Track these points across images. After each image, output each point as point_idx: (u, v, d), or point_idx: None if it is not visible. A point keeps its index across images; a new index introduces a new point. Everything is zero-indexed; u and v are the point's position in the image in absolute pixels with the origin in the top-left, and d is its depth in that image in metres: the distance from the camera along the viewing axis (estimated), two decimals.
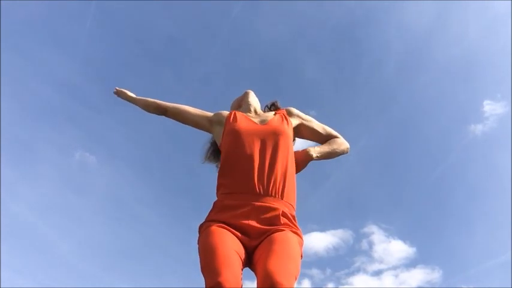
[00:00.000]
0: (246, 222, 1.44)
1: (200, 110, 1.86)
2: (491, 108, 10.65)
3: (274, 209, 1.48)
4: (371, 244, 10.78)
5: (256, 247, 1.42)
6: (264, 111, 1.90)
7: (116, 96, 2.09)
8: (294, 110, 1.84)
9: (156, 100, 1.93)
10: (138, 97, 2.03)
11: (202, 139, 1.94)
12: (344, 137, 1.84)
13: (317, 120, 1.87)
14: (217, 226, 1.44)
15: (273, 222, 1.46)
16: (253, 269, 1.41)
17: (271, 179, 1.52)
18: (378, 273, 10.54)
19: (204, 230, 1.46)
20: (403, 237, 10.83)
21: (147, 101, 1.96)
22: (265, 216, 1.46)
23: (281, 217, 1.47)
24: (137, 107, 2.01)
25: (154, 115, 1.95)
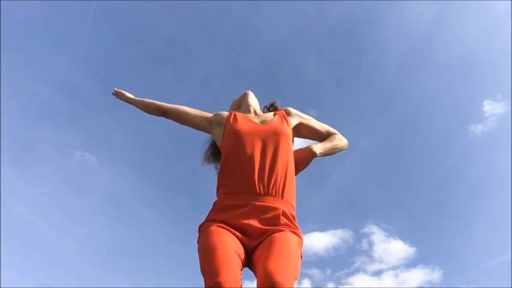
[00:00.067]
0: (246, 222, 1.45)
1: (199, 111, 1.87)
2: (491, 108, 10.67)
3: (275, 209, 1.48)
4: (371, 244, 10.80)
5: (256, 247, 1.42)
6: (263, 112, 1.90)
7: (114, 97, 2.09)
8: (292, 110, 1.85)
9: (155, 101, 1.93)
10: (136, 98, 2.02)
11: (202, 139, 1.95)
12: (344, 137, 1.86)
13: (317, 120, 1.88)
14: (217, 226, 1.44)
15: (273, 222, 1.46)
16: (252, 269, 1.41)
17: (271, 179, 1.53)
18: (378, 273, 10.56)
19: (203, 229, 1.47)
20: (403, 237, 10.85)
21: (146, 102, 1.95)
22: (265, 216, 1.47)
23: (281, 217, 1.48)
24: (136, 108, 2.01)
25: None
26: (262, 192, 1.50)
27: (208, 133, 1.85)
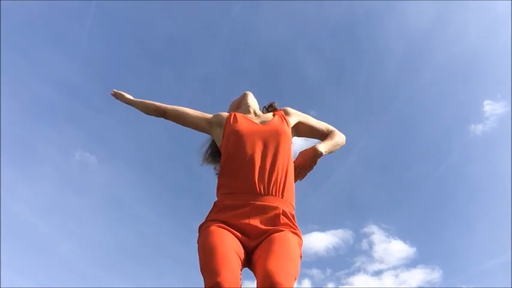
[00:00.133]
0: (246, 222, 1.45)
1: (199, 112, 1.87)
2: (492, 108, 10.67)
3: (275, 208, 1.49)
4: (371, 244, 10.80)
5: (255, 247, 1.43)
6: (263, 113, 1.90)
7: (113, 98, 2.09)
8: (291, 110, 1.85)
9: (154, 102, 1.92)
10: (136, 99, 2.00)
11: (202, 139, 1.95)
12: (344, 136, 1.86)
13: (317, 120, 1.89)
14: (217, 226, 1.44)
15: (273, 221, 1.47)
16: (252, 269, 1.41)
17: (272, 178, 1.53)
18: (378, 273, 10.56)
19: (203, 229, 1.47)
20: (403, 237, 10.85)
21: (146, 103, 1.95)
22: (265, 215, 1.47)
23: (281, 216, 1.48)
24: (136, 109, 2.01)
25: None
26: (262, 192, 1.50)
27: (208, 134, 1.85)
